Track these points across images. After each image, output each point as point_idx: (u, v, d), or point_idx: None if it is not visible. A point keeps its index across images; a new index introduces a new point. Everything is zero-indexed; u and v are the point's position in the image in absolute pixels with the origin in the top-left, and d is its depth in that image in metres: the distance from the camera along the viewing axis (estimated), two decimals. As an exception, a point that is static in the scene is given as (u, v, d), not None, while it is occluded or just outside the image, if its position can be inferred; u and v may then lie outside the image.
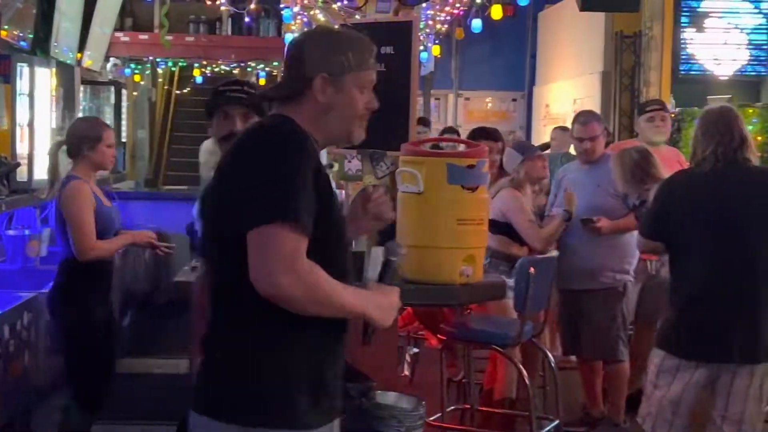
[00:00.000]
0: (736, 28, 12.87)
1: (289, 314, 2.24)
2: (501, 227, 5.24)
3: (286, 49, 2.60)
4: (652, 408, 4.04)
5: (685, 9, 12.76)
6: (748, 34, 12.87)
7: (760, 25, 12.83)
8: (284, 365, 2.32)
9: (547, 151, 8.91)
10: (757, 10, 12.85)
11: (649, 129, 5.98)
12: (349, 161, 4.70)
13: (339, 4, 4.84)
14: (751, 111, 10.11)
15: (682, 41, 12.80)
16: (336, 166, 5.82)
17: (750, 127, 9.88)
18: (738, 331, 3.88)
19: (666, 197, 4.15)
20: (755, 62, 12.89)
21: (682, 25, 12.76)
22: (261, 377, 2.31)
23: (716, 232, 3.91)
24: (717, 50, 12.83)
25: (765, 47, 12.83)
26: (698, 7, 12.84)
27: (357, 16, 4.74)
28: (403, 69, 4.37)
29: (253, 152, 2.32)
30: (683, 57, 12.83)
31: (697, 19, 12.83)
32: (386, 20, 4.53)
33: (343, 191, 5.14)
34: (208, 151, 5.73)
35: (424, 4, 5.73)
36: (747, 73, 12.88)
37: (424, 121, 9.73)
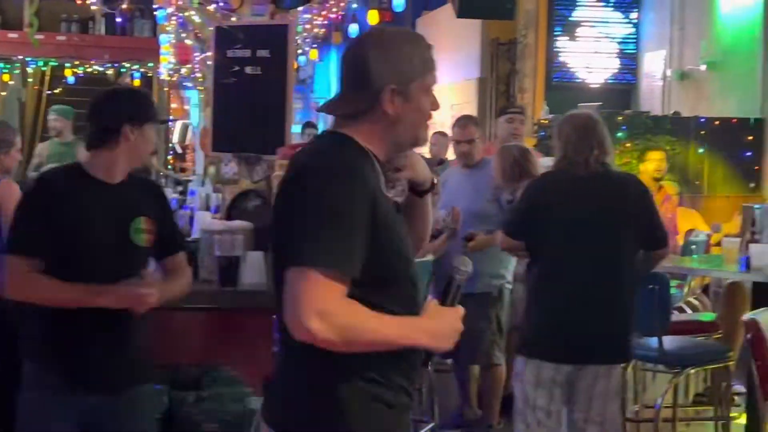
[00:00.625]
0: (607, 37, 13.20)
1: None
2: None
3: (342, 58, 2.39)
4: (519, 408, 4.11)
5: (558, 18, 13.02)
6: (618, 43, 13.22)
7: (630, 35, 13.20)
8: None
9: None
10: (627, 20, 13.21)
11: (506, 129, 6.19)
12: (226, 165, 4.66)
13: (215, 6, 4.80)
14: (620, 118, 10.41)
15: (556, 49, 13.05)
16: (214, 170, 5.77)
17: (619, 134, 10.20)
18: (597, 332, 3.98)
19: (531, 198, 4.23)
20: (625, 71, 13.24)
21: (556, 33, 13.02)
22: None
23: (574, 235, 4.00)
24: (589, 59, 13.15)
25: (634, 56, 13.22)
26: (571, 17, 13.12)
27: (233, 18, 4.70)
28: (279, 72, 4.35)
29: (305, 183, 2.19)
30: (556, 65, 13.10)
31: (569, 28, 13.11)
32: (262, 23, 4.51)
33: (220, 195, 5.09)
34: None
35: (300, 8, 5.71)
36: (617, 82, 13.24)
37: (313, 125, 9.79)
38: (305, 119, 15.08)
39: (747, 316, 3.79)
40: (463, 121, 5.92)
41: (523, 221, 4.20)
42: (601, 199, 4.06)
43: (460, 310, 2.32)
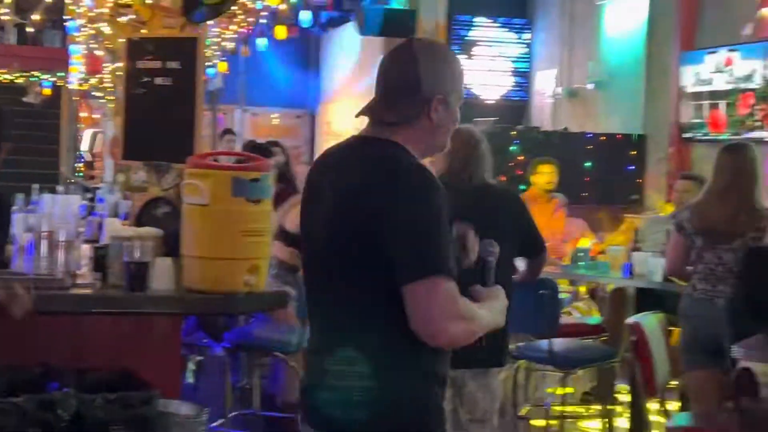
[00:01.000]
0: (502, 56, 13.40)
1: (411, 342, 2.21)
2: (293, 239, 5.25)
3: (388, 68, 2.41)
4: None
5: (455, 37, 13.18)
6: (512, 62, 13.43)
7: (523, 54, 13.42)
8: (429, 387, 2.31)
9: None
10: (520, 41, 13.43)
11: None
12: (136, 173, 4.58)
13: (126, 18, 4.71)
14: (513, 133, 10.57)
15: (456, 67, 13.18)
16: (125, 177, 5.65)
17: (512, 148, 10.34)
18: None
19: None
20: (518, 88, 13.46)
21: (455, 50, 13.13)
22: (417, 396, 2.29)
23: None
24: (484, 76, 13.32)
25: (527, 75, 13.43)
26: (467, 36, 13.30)
27: (143, 31, 4.62)
28: (188, 83, 4.29)
29: (403, 191, 2.22)
30: (455, 82, 13.21)
31: (466, 47, 13.27)
32: (172, 36, 4.45)
33: (130, 202, 5.00)
34: None
35: (210, 22, 5.65)
36: (511, 98, 13.44)
37: (231, 132, 9.67)
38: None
39: (631, 319, 3.88)
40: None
41: None
42: (482, 210, 4.11)
43: (501, 288, 2.42)
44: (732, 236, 4.37)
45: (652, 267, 5.45)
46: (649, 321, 3.78)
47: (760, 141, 8.68)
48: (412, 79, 2.32)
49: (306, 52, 16.87)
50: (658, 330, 3.81)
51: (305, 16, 11.52)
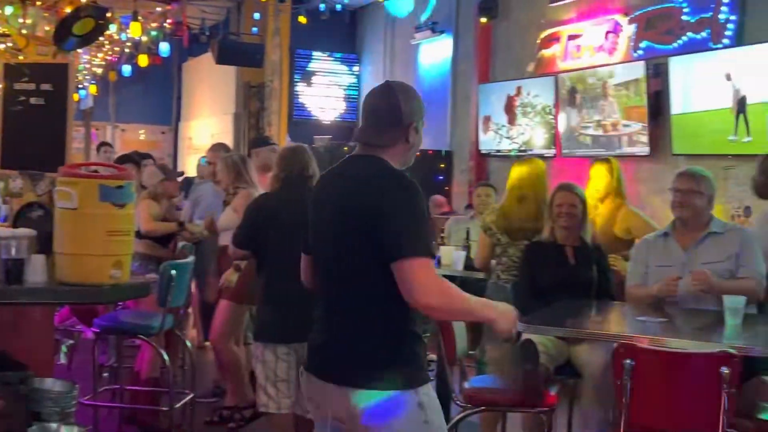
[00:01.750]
0: (336, 84, 13.54)
1: (406, 309, 2.37)
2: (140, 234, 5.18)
3: (376, 104, 2.54)
4: (261, 384, 4.07)
5: (298, 68, 13.25)
6: (345, 89, 13.58)
7: (353, 83, 13.59)
8: (413, 346, 2.44)
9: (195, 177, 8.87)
10: (350, 72, 13.60)
11: (270, 158, 6.20)
12: (14, 180, 4.39)
13: (3, 46, 4.52)
14: (345, 148, 10.64)
15: (296, 93, 13.26)
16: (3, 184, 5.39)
17: (345, 161, 10.40)
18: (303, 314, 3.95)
19: (252, 214, 4.15)
20: (350, 111, 13.61)
21: (296, 80, 13.22)
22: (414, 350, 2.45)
23: (290, 240, 3.96)
24: (322, 101, 13.42)
25: (357, 100, 13.58)
26: (307, 67, 13.37)
27: (20, 57, 4.44)
28: (60, 103, 4.16)
29: (400, 196, 2.36)
30: (297, 105, 13.29)
31: (306, 76, 13.35)
32: (45, 62, 4.31)
33: (8, 206, 4.77)
34: None
35: (80, 50, 5.47)
36: (344, 119, 13.56)
37: (108, 144, 9.40)
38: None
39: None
40: (215, 146, 6.05)
41: (249, 234, 4.13)
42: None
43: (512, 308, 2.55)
44: (533, 234, 4.50)
45: (456, 259, 5.58)
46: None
47: (541, 156, 9.06)
48: (396, 113, 2.49)
49: (169, 76, 16.53)
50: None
51: (164, 47, 11.27)
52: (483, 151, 10.16)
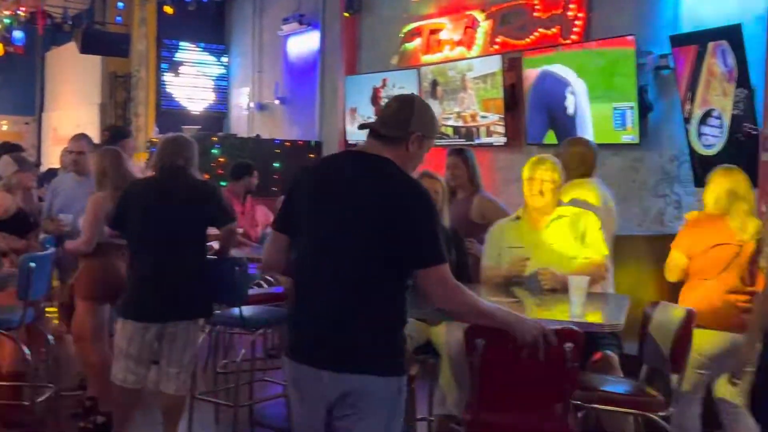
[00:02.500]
0: (204, 75, 13.26)
1: (402, 304, 2.49)
2: None
3: (399, 104, 2.61)
4: (115, 353, 4.14)
5: (165, 58, 12.89)
6: (213, 80, 13.32)
7: (222, 74, 13.35)
8: (403, 336, 2.52)
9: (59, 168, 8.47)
10: (219, 63, 13.35)
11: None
12: None
13: None
14: (214, 138, 10.46)
15: (163, 83, 12.90)
16: None
17: (214, 151, 10.22)
18: (178, 295, 4.05)
19: (121, 198, 4.20)
20: (219, 102, 13.37)
21: (163, 70, 12.87)
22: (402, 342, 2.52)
23: (154, 223, 4.04)
24: (190, 91, 13.12)
25: (226, 91, 13.36)
26: (174, 58, 13.03)
27: None
28: None
29: (421, 202, 2.47)
30: (164, 95, 12.94)
31: (174, 67, 13.02)
32: None
33: None
34: None
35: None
36: (213, 110, 13.31)
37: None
38: None
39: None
40: (77, 136, 5.75)
41: (116, 216, 4.19)
42: (184, 198, 4.14)
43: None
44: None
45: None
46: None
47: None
48: (406, 115, 2.56)
49: (33, 65, 15.77)
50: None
51: (18, 35, 10.75)
52: (351, 142, 10.18)
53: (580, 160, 4.62)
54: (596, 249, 4.03)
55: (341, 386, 2.43)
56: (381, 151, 2.52)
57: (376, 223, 2.43)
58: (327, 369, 2.44)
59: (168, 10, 10.95)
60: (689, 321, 3.35)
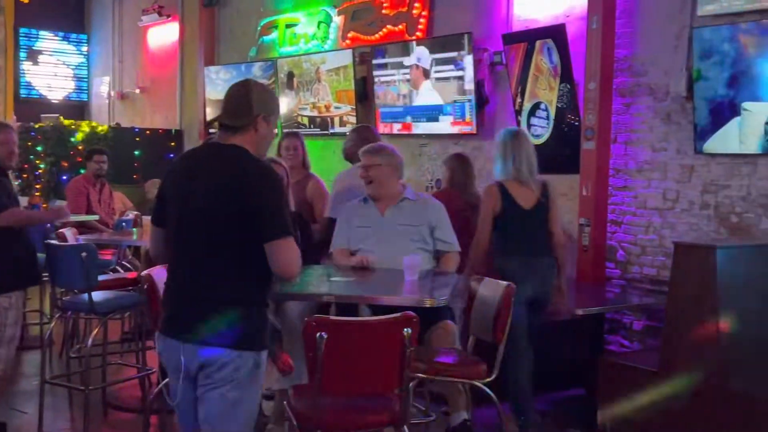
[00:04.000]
0: (64, 64, 12.67)
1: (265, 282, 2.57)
2: None
3: (231, 93, 2.67)
4: None
5: (23, 46, 12.26)
6: (73, 69, 12.74)
7: (82, 63, 12.79)
8: (260, 313, 2.59)
9: None
10: (79, 52, 12.79)
11: None
12: None
13: None
14: (72, 126, 10.02)
15: (22, 71, 12.26)
16: None
17: (72, 139, 9.78)
18: None
19: None
20: (80, 90, 12.81)
21: (21, 59, 12.21)
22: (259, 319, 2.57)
23: None
24: (50, 80, 12.52)
25: (86, 79, 12.80)
26: (34, 46, 12.41)
27: None
28: None
29: (265, 181, 2.53)
30: (23, 84, 12.29)
31: (33, 55, 12.40)
32: None
33: None
34: None
35: None
36: (74, 99, 12.75)
37: None
38: None
39: (145, 271, 3.78)
40: None
41: None
42: None
43: None
44: None
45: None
46: (160, 272, 3.74)
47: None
48: (247, 101, 2.61)
49: None
50: (167, 278, 3.80)
51: None
52: (211, 130, 9.96)
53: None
54: (450, 242, 4.11)
55: (197, 358, 2.49)
56: (233, 140, 2.59)
57: (225, 205, 2.50)
58: (184, 341, 2.51)
59: (24, -2, 10.36)
60: (509, 294, 3.47)
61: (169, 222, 2.63)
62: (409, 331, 2.79)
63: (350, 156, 5.22)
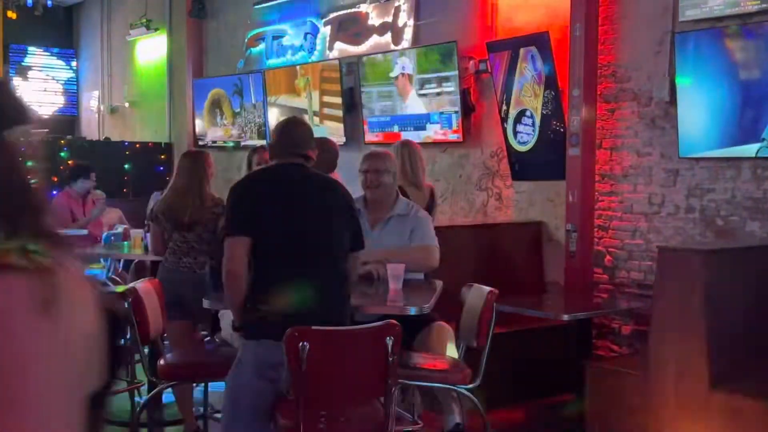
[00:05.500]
0: (53, 79, 12.64)
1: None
2: None
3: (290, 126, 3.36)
4: None
5: (12, 62, 12.23)
6: (62, 84, 12.72)
7: (71, 78, 12.76)
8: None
9: None
10: (68, 67, 12.77)
11: None
12: None
13: None
14: (62, 142, 10.00)
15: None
16: None
17: (62, 154, 9.76)
18: None
19: None
20: (69, 105, 12.78)
21: (11, 74, 12.18)
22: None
23: None
24: (39, 95, 12.48)
25: (76, 94, 12.78)
26: (23, 62, 12.39)
27: None
28: None
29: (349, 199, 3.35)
30: (13, 99, 12.22)
31: (22, 71, 12.37)
32: None
33: None
34: None
35: None
36: (63, 114, 12.72)
37: None
38: None
39: (131, 284, 3.80)
40: None
41: None
42: None
43: None
44: (192, 222, 4.45)
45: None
46: (144, 286, 3.74)
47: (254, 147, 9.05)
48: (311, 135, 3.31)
49: None
50: (152, 292, 3.79)
51: None
52: (201, 143, 9.96)
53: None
54: (425, 239, 4.06)
55: None
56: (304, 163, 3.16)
57: (340, 220, 3.20)
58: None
59: (11, 15, 10.35)
60: (491, 299, 3.46)
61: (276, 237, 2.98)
62: (392, 339, 2.77)
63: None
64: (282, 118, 4.10)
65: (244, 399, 2.89)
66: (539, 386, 5.20)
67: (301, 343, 2.69)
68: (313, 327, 2.69)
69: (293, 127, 3.29)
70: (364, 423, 2.83)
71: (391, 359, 2.79)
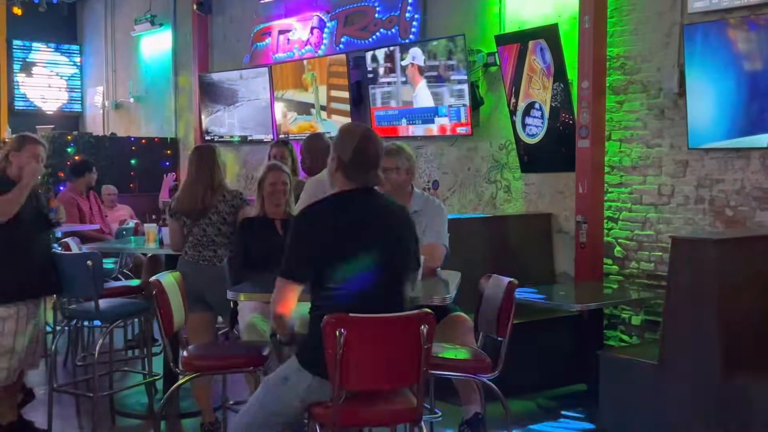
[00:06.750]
0: (58, 75, 12.67)
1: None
2: None
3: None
4: None
5: (16, 59, 12.27)
6: (67, 80, 12.74)
7: (75, 74, 12.79)
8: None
9: None
10: (72, 63, 12.79)
11: None
12: None
13: None
14: (69, 138, 10.03)
15: (16, 83, 12.26)
16: None
17: (69, 149, 9.79)
18: None
19: None
20: (74, 101, 12.81)
21: (15, 71, 12.23)
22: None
23: None
24: (44, 91, 12.52)
25: (80, 90, 12.81)
26: (27, 58, 12.41)
27: None
28: None
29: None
30: (18, 96, 12.29)
31: (26, 68, 12.40)
32: None
33: None
34: None
35: None
36: (68, 109, 12.74)
37: None
38: None
39: (153, 277, 3.83)
40: None
41: None
42: None
43: None
44: (205, 208, 4.45)
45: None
46: (167, 278, 3.78)
47: (261, 141, 9.10)
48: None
49: None
50: (174, 284, 3.83)
51: None
52: (207, 138, 10.00)
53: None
54: (436, 235, 4.04)
55: None
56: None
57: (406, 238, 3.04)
58: None
59: (16, 11, 10.36)
60: (511, 289, 3.51)
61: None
62: (426, 327, 2.80)
63: (307, 170, 4.97)
64: (345, 124, 3.53)
65: (279, 417, 2.90)
66: (552, 377, 5.25)
67: (338, 330, 2.72)
68: (351, 314, 2.72)
69: (367, 143, 2.88)
70: (399, 409, 2.88)
71: (425, 347, 2.81)
